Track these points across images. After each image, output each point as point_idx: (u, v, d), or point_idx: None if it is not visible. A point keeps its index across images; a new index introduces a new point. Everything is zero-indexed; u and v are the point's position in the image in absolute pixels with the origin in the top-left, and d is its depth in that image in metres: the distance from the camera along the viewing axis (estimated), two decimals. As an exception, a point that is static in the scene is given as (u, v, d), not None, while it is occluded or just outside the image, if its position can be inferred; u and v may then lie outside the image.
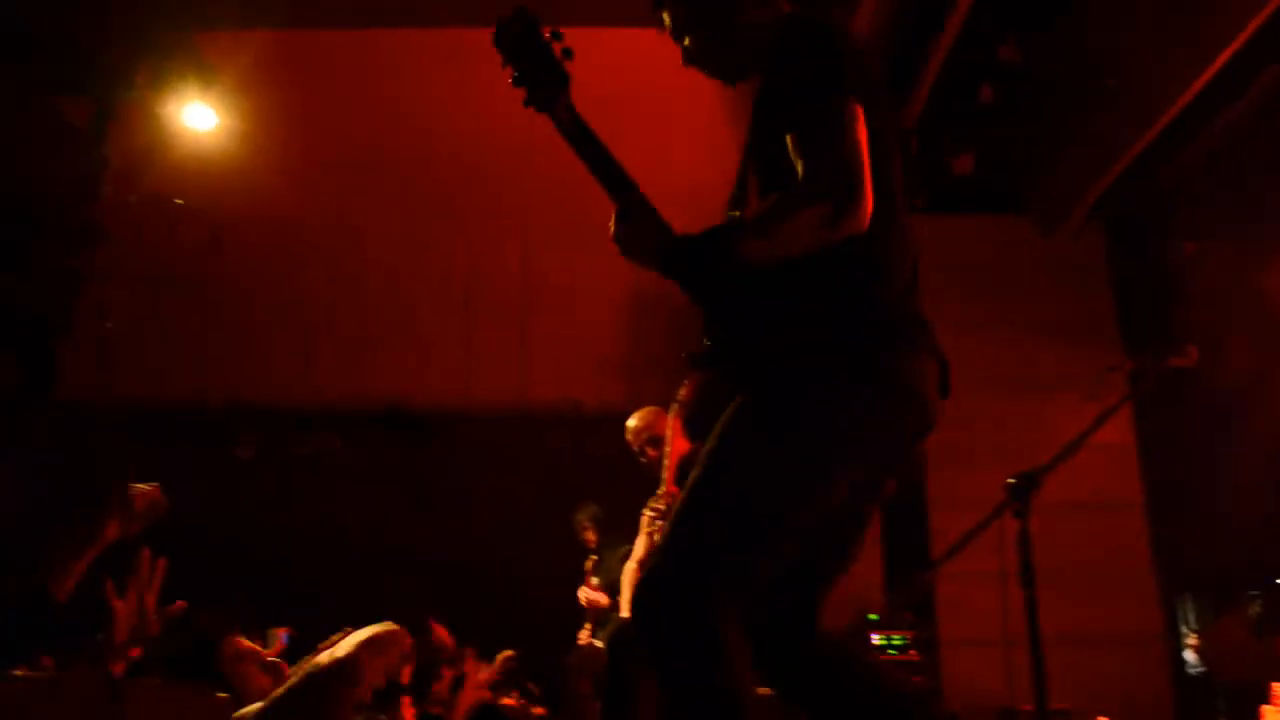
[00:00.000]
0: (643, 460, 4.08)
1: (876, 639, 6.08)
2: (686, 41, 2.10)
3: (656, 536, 3.70)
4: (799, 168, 1.77)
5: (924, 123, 6.16)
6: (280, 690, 1.96)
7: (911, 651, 6.05)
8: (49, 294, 1.16)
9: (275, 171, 6.85)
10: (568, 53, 1.92)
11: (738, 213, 2.04)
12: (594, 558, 6.01)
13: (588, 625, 5.74)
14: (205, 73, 5.93)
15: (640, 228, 1.88)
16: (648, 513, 3.84)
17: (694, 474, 1.78)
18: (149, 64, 5.69)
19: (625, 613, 4.03)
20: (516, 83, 1.91)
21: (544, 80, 1.90)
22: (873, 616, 6.17)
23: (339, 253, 7.77)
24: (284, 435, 7.85)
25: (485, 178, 7.13)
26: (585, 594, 5.76)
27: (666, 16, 2.11)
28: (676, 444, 3.38)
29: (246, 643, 2.58)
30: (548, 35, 1.92)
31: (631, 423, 4.08)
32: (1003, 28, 5.87)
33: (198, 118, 6.38)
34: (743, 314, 1.89)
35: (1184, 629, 6.20)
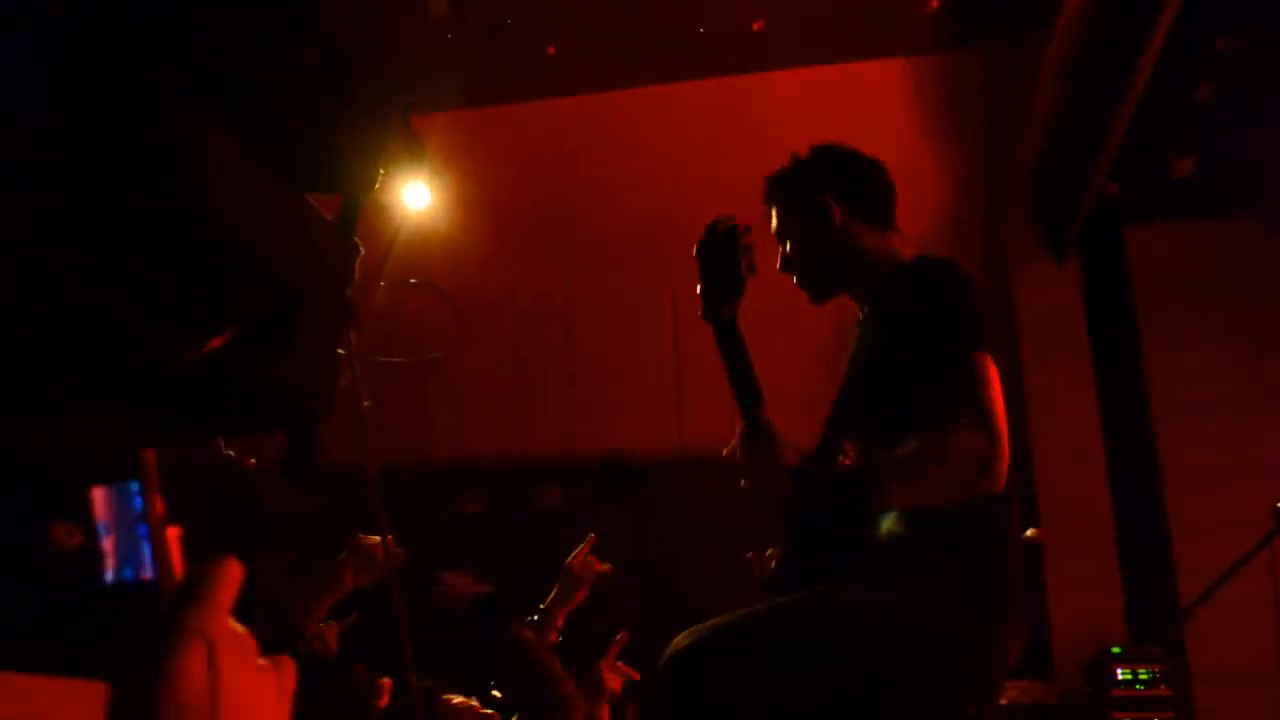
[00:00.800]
0: None
1: (1120, 674, 5.77)
2: (787, 247, 2.16)
3: None
4: (941, 413, 1.77)
5: (1139, 125, 5.92)
6: None
7: (1161, 687, 5.71)
8: (315, 375, 1.30)
9: (484, 241, 7.25)
10: (753, 267, 2.02)
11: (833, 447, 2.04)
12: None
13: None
14: (418, 151, 6.37)
15: (774, 452, 1.91)
16: None
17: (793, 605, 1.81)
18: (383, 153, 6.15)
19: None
20: (704, 292, 2.01)
21: (723, 294, 1.99)
22: (1116, 650, 5.87)
23: (550, 317, 8.09)
24: (506, 491, 8.20)
25: (687, 232, 7.30)
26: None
27: (774, 215, 2.19)
28: None
29: (459, 699, 2.74)
30: (742, 249, 2.02)
31: None
32: (1220, 18, 5.58)
33: (414, 197, 6.85)
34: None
35: None
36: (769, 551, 2.58)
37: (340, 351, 1.44)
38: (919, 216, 7.07)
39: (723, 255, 2.00)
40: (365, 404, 1.51)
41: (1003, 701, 5.81)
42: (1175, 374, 6.49)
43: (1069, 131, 6.06)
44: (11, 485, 1.11)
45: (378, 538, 2.37)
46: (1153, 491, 6.41)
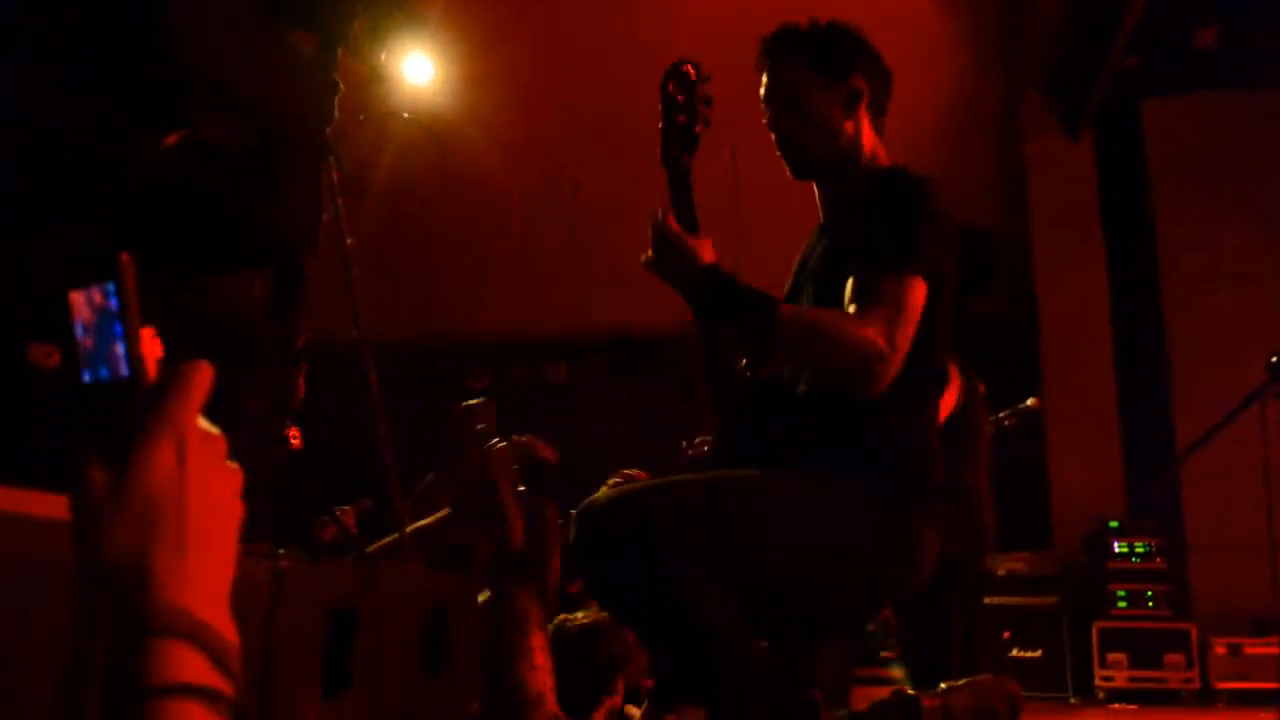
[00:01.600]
0: None
1: (1118, 547, 5.88)
2: (789, 109, 2.05)
3: None
4: (859, 300, 1.78)
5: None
6: None
7: (1157, 559, 5.81)
8: (299, 213, 1.29)
9: (491, 113, 7.16)
10: (706, 121, 1.95)
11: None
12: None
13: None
14: (416, 22, 6.25)
15: (690, 243, 1.88)
16: None
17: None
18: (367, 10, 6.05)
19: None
20: (663, 132, 1.94)
21: (681, 141, 1.93)
22: (1113, 524, 5.96)
23: (558, 190, 8.02)
24: (513, 367, 8.26)
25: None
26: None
27: (783, 71, 2.06)
28: None
29: None
30: (702, 99, 1.95)
31: None
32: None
33: (416, 71, 6.73)
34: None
35: None
36: (698, 440, 2.61)
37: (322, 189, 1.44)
38: (934, 91, 6.96)
39: (686, 100, 1.93)
40: (349, 241, 1.51)
41: (1001, 572, 5.99)
42: (1186, 250, 6.43)
43: (1088, 1, 5.89)
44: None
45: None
46: (1158, 367, 6.42)
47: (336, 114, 1.51)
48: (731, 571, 1.62)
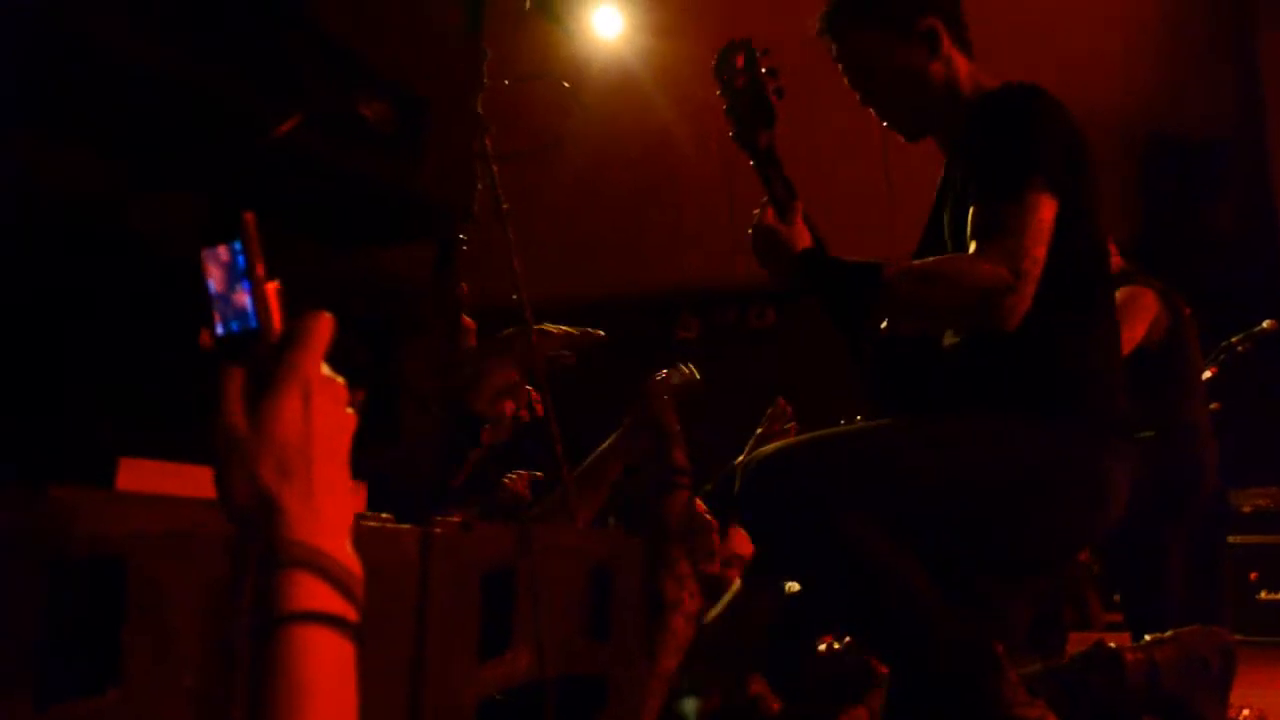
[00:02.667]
0: None
1: None
2: (872, 78, 1.94)
3: None
4: (974, 239, 1.65)
5: None
6: None
7: None
8: (450, 182, 1.32)
9: (687, 64, 7.13)
10: (780, 91, 1.82)
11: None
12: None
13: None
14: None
15: (787, 232, 1.78)
16: None
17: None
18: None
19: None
20: (728, 113, 1.84)
21: (752, 117, 1.82)
22: None
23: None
24: (719, 315, 8.27)
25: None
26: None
27: (854, 40, 1.94)
28: None
29: None
30: (765, 71, 1.83)
31: None
32: None
33: (605, 23, 6.76)
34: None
35: None
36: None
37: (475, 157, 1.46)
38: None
39: (745, 79, 1.82)
40: (504, 208, 1.53)
41: (1246, 508, 5.58)
42: None
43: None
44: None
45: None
46: None
47: (486, 80, 1.53)
48: (906, 520, 1.57)
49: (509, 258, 1.55)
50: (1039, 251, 1.64)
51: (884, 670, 1.98)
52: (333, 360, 1.29)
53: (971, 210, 1.70)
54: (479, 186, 1.53)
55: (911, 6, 1.89)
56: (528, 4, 1.92)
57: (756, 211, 1.83)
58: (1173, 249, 6.21)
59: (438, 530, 0.99)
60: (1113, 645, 1.86)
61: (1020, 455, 1.66)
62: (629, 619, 1.31)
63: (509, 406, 2.55)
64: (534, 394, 2.53)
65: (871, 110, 1.95)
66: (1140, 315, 3.24)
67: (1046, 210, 1.66)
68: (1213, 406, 4.18)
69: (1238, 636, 5.38)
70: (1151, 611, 3.01)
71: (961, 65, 1.90)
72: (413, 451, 1.36)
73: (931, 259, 1.74)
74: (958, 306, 1.65)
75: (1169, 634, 1.91)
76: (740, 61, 1.87)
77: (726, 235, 8.27)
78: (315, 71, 1.32)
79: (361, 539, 0.80)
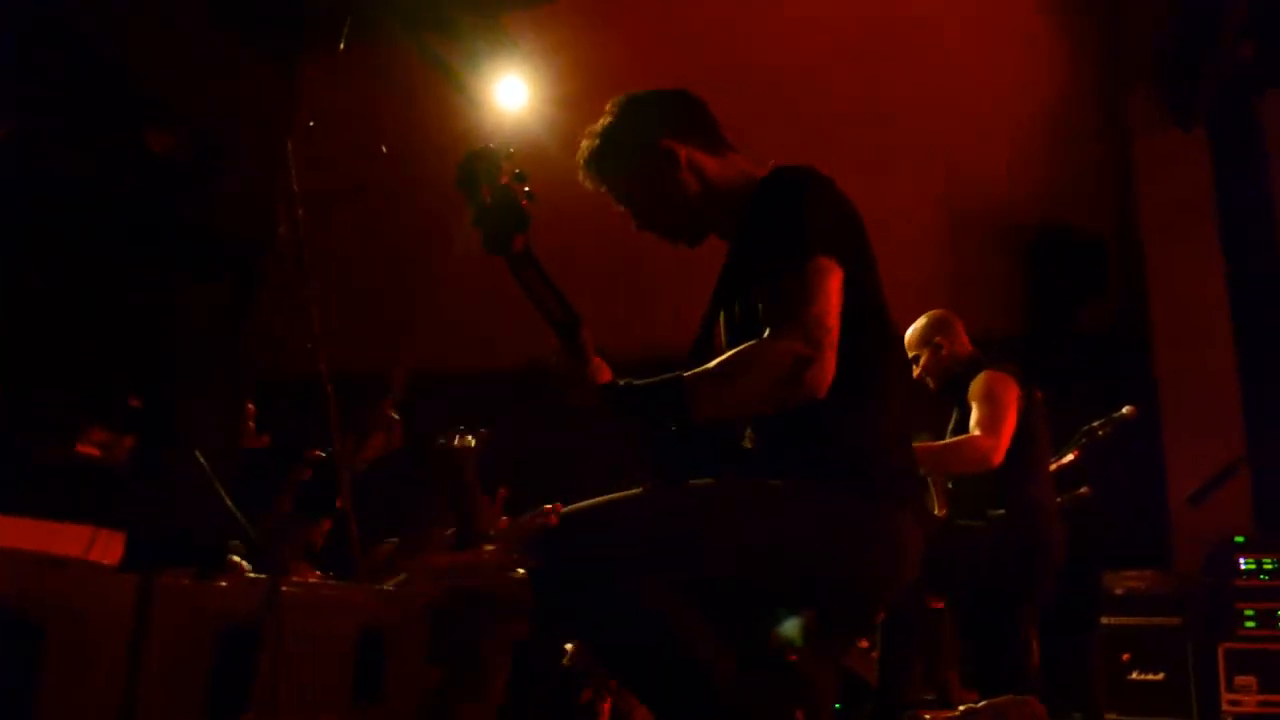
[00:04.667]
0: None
1: (1244, 563, 5.50)
2: (636, 210, 2.00)
3: None
4: (763, 324, 1.68)
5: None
6: None
7: (1286, 576, 5.42)
8: (249, 219, 1.28)
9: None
10: (530, 196, 1.84)
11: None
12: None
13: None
14: (507, 45, 6.35)
15: (582, 371, 1.81)
16: None
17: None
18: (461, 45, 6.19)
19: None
20: (475, 223, 1.82)
21: (504, 225, 1.80)
22: (1239, 539, 5.59)
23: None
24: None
25: (787, 102, 6.99)
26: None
27: (609, 184, 2.00)
28: None
29: None
30: (515, 176, 1.83)
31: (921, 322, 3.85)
32: None
33: (509, 94, 6.80)
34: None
35: None
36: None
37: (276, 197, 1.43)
38: (1034, 84, 6.70)
39: (488, 182, 1.82)
40: (305, 256, 1.49)
41: (1119, 591, 5.68)
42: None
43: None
44: None
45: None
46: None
47: (293, 125, 1.51)
48: (703, 584, 1.55)
49: (307, 307, 1.50)
50: (830, 320, 1.67)
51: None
52: (98, 405, 1.23)
53: (760, 296, 1.73)
54: (280, 228, 1.49)
55: (639, 137, 1.96)
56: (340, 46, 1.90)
57: (543, 359, 1.85)
58: (1053, 337, 6.40)
59: (161, 580, 0.94)
60: (928, 716, 1.85)
61: (810, 514, 1.66)
62: (405, 682, 1.25)
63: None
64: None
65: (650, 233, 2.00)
66: (1009, 402, 3.33)
67: (832, 278, 1.69)
68: (1082, 491, 4.27)
69: (1111, 716, 5.48)
70: (1005, 689, 3.03)
71: (712, 165, 1.95)
72: (178, 498, 1.29)
73: (726, 355, 1.73)
74: (764, 392, 1.66)
75: (982, 704, 1.90)
76: (487, 171, 1.83)
77: (620, 307, 8.30)
78: (97, 99, 1.28)
79: (65, 586, 0.74)
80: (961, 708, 1.90)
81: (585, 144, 2.01)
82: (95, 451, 1.25)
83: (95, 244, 1.38)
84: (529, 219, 1.78)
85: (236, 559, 1.99)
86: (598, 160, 1.99)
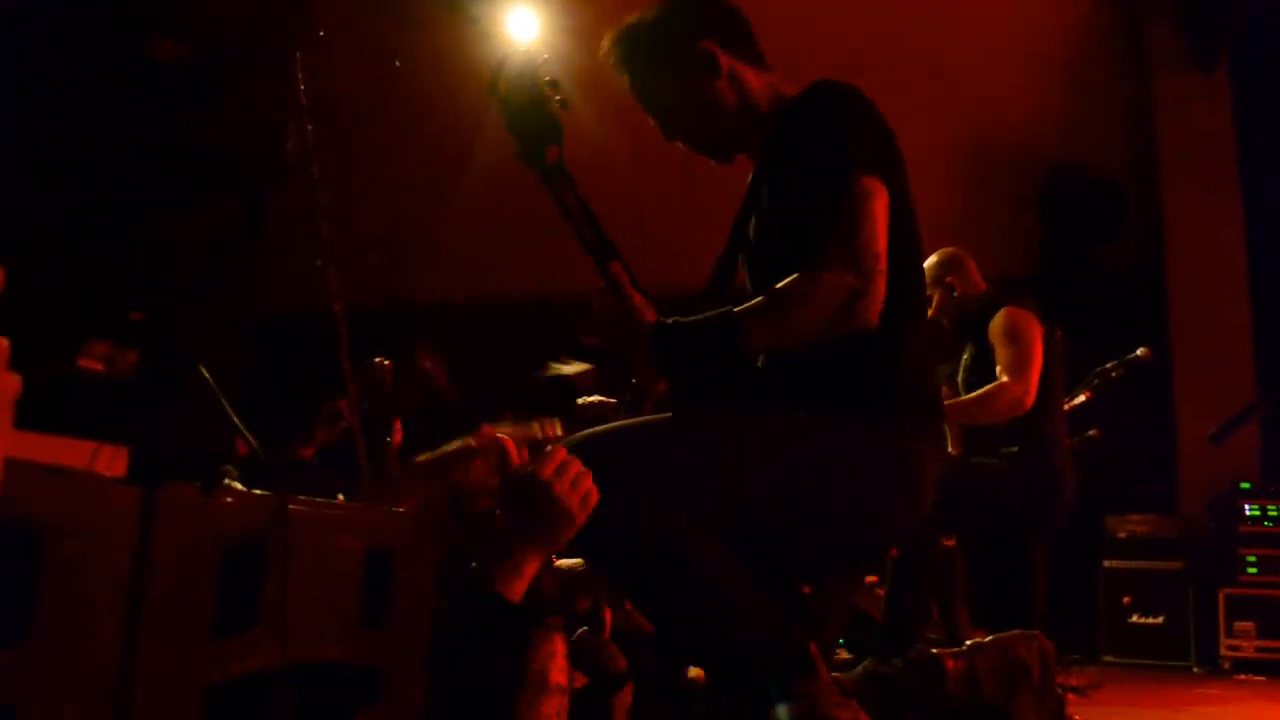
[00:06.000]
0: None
1: (1249, 510, 5.50)
2: (663, 113, 1.89)
3: None
4: (810, 250, 1.60)
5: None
6: None
7: (1291, 523, 5.42)
8: (257, 137, 1.24)
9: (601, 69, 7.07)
10: (564, 104, 1.75)
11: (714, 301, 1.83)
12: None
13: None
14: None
15: (627, 308, 1.69)
16: None
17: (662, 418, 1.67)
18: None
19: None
20: (509, 129, 1.71)
21: (537, 134, 1.71)
22: (1245, 485, 5.58)
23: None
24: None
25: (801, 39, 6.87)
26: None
27: (639, 77, 1.89)
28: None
29: None
30: (547, 83, 1.72)
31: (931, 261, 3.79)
32: None
33: (520, 25, 6.69)
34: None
35: None
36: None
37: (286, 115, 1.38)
38: (1056, 24, 6.58)
39: (525, 89, 1.73)
40: (314, 170, 1.45)
41: (1121, 534, 5.69)
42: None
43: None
44: None
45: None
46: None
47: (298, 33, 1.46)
48: (722, 516, 1.53)
49: (315, 223, 1.47)
50: (879, 245, 1.61)
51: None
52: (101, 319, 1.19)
53: (804, 219, 1.64)
54: (289, 144, 1.45)
55: (682, 34, 1.85)
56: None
57: (591, 298, 1.74)
58: (1067, 280, 6.34)
59: (165, 492, 0.91)
60: (934, 651, 1.84)
61: (829, 448, 1.62)
62: (411, 608, 1.23)
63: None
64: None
65: (677, 143, 1.91)
66: (1035, 341, 3.27)
67: (879, 201, 1.62)
68: (1091, 433, 4.25)
69: (1110, 658, 5.52)
70: (1015, 626, 3.02)
71: (751, 78, 1.87)
72: (184, 414, 1.26)
73: (774, 288, 1.65)
74: (819, 326, 1.59)
75: (989, 639, 1.89)
76: (522, 75, 1.76)
77: (636, 240, 8.24)
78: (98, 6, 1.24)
79: (67, 496, 0.71)
80: (969, 642, 1.90)
81: (620, 30, 1.90)
82: (98, 366, 1.22)
83: (98, 158, 1.34)
84: (562, 129, 1.71)
85: (228, 481, 1.97)
86: (630, 51, 1.89)
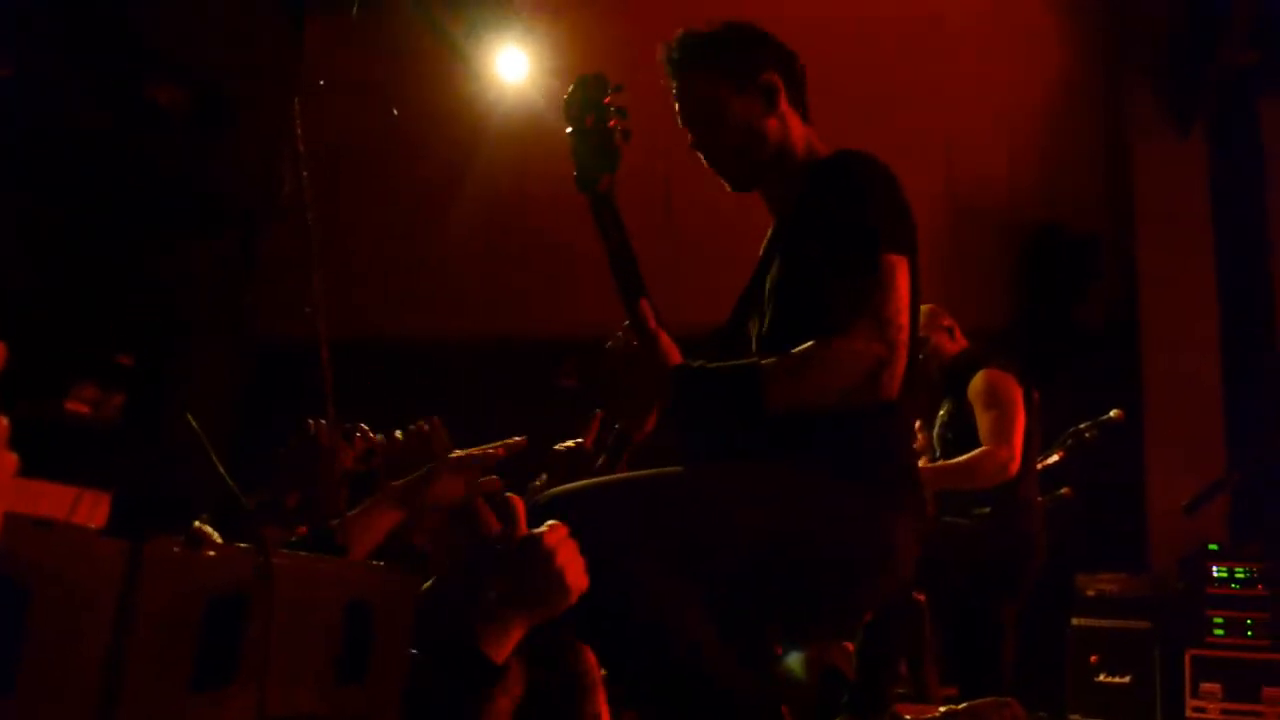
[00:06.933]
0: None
1: (1217, 571, 5.54)
2: (705, 123, 1.93)
3: None
4: (836, 318, 1.64)
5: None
6: None
7: (1259, 586, 5.46)
8: (252, 175, 1.25)
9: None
10: (626, 134, 1.78)
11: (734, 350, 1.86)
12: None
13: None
14: (509, 13, 6.29)
15: (652, 344, 1.71)
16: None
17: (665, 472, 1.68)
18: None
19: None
20: (573, 154, 1.79)
21: (596, 160, 1.76)
22: (1213, 546, 5.63)
23: (655, 187, 7.95)
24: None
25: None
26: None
27: (692, 83, 1.92)
28: None
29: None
30: (614, 111, 1.79)
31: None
32: None
33: (510, 67, 6.73)
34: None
35: None
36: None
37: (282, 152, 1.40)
38: (1036, 83, 6.69)
39: (591, 116, 1.77)
40: (309, 216, 1.47)
41: (1090, 593, 5.72)
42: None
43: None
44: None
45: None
46: (1271, 382, 6.03)
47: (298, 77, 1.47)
48: (700, 574, 1.53)
49: (309, 266, 1.48)
50: (904, 319, 1.65)
51: None
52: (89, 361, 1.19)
53: (828, 286, 1.67)
54: (285, 187, 1.46)
55: (753, 59, 1.90)
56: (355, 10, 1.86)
57: (610, 344, 1.75)
58: (1043, 337, 6.42)
59: (151, 546, 0.91)
60: (907, 717, 1.84)
61: (814, 514, 1.64)
62: (390, 662, 1.23)
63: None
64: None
65: (701, 155, 1.94)
66: (1017, 404, 3.31)
67: (903, 277, 1.66)
68: (1063, 492, 4.28)
69: (1076, 717, 5.52)
70: (984, 685, 3.04)
71: (796, 126, 1.91)
72: (170, 461, 1.26)
73: (800, 349, 1.66)
74: (838, 391, 1.62)
75: (962, 706, 1.90)
76: (592, 99, 1.81)
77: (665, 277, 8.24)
78: (98, 49, 1.25)
79: (54, 549, 0.72)
80: (942, 709, 1.90)
81: (689, 34, 1.92)
82: (84, 409, 1.22)
83: (94, 196, 1.35)
84: (619, 159, 1.74)
85: (205, 527, 1.95)
86: (695, 56, 1.91)
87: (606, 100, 1.78)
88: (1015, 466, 3.17)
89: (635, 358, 1.72)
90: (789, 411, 1.67)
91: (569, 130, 1.81)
